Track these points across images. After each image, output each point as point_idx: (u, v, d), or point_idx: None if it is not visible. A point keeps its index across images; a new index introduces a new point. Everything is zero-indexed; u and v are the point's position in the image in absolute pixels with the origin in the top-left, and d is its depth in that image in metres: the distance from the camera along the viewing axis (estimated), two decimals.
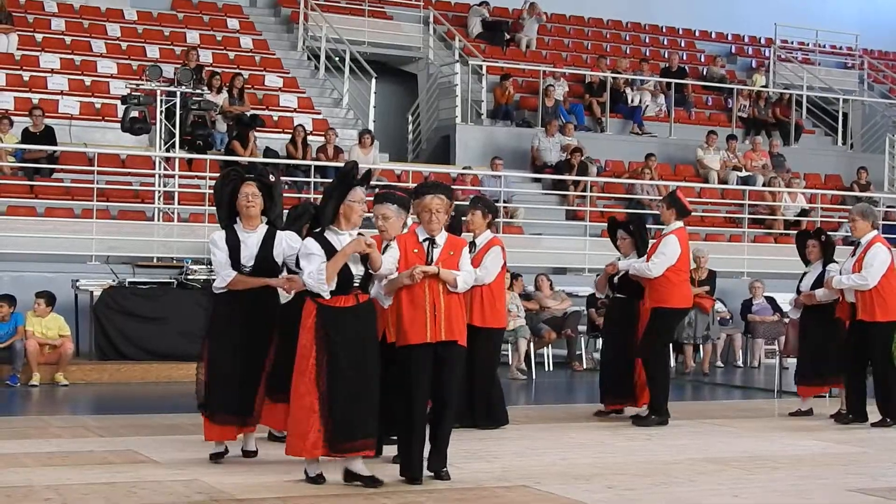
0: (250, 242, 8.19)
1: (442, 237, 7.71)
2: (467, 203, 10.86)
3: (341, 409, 7.33)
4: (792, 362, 16.01)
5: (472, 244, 10.00)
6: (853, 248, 11.52)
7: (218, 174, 17.99)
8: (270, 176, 8.27)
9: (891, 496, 7.77)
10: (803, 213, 22.13)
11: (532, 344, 15.90)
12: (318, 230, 7.54)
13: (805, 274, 12.26)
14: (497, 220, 12.36)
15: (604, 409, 11.55)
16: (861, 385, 11.49)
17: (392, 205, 7.81)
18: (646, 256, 11.02)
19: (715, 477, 8.38)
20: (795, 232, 14.48)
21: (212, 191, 17.65)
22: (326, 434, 7.34)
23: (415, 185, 8.82)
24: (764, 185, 22.43)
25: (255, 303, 8.26)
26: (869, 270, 11.08)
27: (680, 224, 11.24)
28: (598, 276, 11.91)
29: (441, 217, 7.65)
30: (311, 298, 7.50)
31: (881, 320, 11.14)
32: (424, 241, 7.66)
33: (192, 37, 22.31)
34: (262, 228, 8.27)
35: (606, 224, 11.91)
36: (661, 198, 20.88)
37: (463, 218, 10.03)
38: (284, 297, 8.71)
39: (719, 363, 18.13)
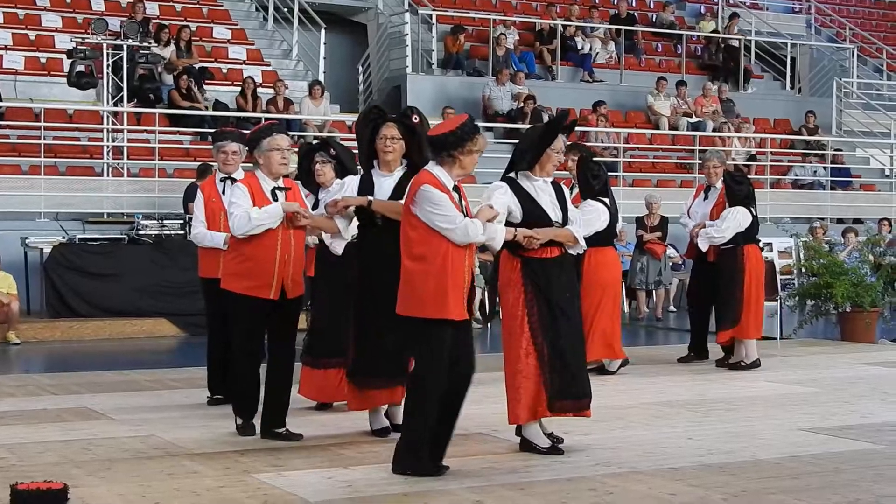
0: (385, 186, 7.54)
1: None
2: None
3: (565, 366, 7.10)
4: None
5: None
6: (705, 191, 11.97)
7: (167, 128, 18.08)
8: (414, 117, 7.71)
9: (841, 434, 7.90)
10: (752, 157, 22.29)
11: (487, 293, 15.94)
12: (510, 175, 7.22)
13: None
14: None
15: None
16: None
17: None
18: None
19: (670, 420, 8.47)
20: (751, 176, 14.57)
21: (161, 145, 17.65)
22: (551, 391, 7.06)
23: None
24: (714, 130, 22.54)
25: None
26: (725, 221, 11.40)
27: None
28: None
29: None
30: (511, 252, 7.13)
31: None
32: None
33: None
34: (399, 172, 7.60)
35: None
36: (612, 146, 21.04)
37: None
38: (312, 241, 8.50)
39: (672, 308, 18.27)
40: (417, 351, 6.65)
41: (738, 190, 11.36)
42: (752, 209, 11.42)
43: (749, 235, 11.38)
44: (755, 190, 11.75)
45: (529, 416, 7.12)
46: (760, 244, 11.79)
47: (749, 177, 12.04)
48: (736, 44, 25.51)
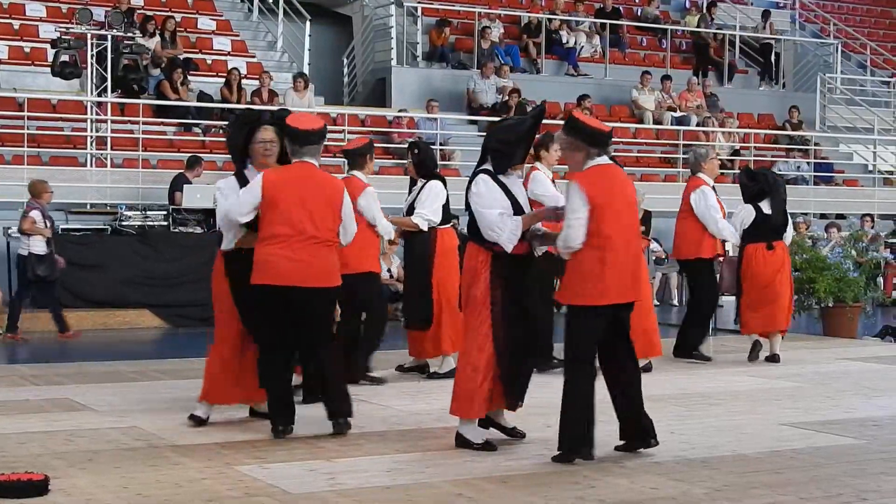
0: None
1: None
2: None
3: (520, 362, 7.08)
4: (727, 300, 16.28)
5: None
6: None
7: (151, 119, 18.02)
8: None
9: (823, 429, 7.92)
10: (736, 152, 22.33)
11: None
12: (487, 170, 7.06)
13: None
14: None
15: None
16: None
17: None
18: None
19: (653, 414, 8.39)
20: (735, 171, 14.71)
21: (145, 136, 17.60)
22: (506, 389, 7.02)
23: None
24: (698, 125, 22.58)
25: None
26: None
27: None
28: None
29: None
30: (480, 245, 6.99)
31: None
32: None
33: None
34: None
35: None
36: None
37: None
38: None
39: (655, 302, 18.25)
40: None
41: (747, 187, 11.50)
42: (765, 206, 11.35)
43: (754, 235, 11.36)
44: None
45: (469, 412, 7.05)
46: (771, 244, 11.45)
47: (762, 172, 12.07)
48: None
